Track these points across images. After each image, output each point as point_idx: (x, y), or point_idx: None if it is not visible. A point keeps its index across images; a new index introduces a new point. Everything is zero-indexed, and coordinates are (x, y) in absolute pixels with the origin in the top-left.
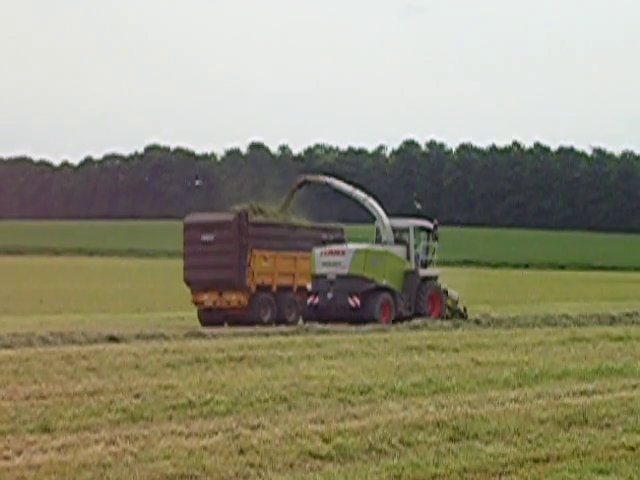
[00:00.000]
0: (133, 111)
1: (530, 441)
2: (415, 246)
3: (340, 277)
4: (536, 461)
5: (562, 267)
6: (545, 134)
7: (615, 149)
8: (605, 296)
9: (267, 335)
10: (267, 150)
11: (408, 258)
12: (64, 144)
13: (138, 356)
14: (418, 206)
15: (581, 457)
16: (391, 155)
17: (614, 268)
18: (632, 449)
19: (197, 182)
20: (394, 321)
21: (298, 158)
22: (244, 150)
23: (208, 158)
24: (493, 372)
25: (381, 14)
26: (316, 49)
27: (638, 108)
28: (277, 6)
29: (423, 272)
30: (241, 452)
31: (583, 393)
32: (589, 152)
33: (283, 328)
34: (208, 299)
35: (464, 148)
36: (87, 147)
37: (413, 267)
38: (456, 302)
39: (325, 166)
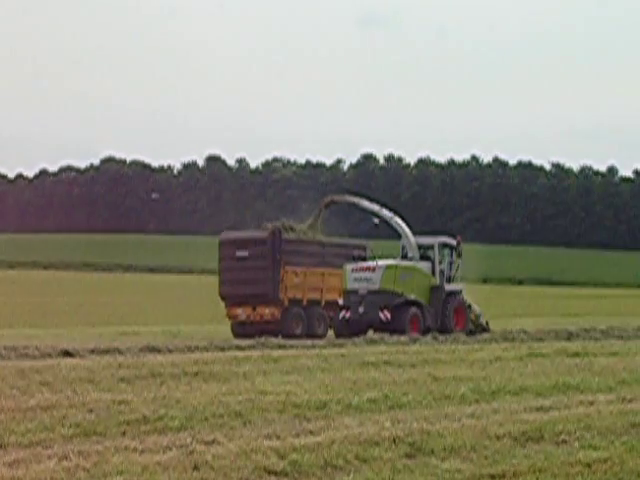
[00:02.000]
0: (89, 123)
1: (486, 457)
2: (440, 262)
3: (371, 292)
4: (492, 477)
5: (520, 282)
6: (504, 149)
7: (574, 164)
8: (563, 312)
9: (223, 350)
10: (224, 163)
11: (433, 273)
12: (19, 156)
13: (92, 371)
14: (376, 220)
15: (537, 473)
16: (349, 169)
17: (572, 283)
18: (588, 465)
19: (153, 195)
20: (424, 333)
21: (255, 171)
22: (201, 163)
23: (165, 171)
24: (450, 388)
25: (339, 26)
26: (270, 61)
27: (597, 123)
28: (230, 21)
29: (448, 287)
30: (195, 468)
31: (540, 409)
32: (548, 167)
33: (239, 343)
34: (242, 313)
35: (422, 162)
36: (42, 159)
37: (438, 282)
38: (479, 316)
39: (282, 180)
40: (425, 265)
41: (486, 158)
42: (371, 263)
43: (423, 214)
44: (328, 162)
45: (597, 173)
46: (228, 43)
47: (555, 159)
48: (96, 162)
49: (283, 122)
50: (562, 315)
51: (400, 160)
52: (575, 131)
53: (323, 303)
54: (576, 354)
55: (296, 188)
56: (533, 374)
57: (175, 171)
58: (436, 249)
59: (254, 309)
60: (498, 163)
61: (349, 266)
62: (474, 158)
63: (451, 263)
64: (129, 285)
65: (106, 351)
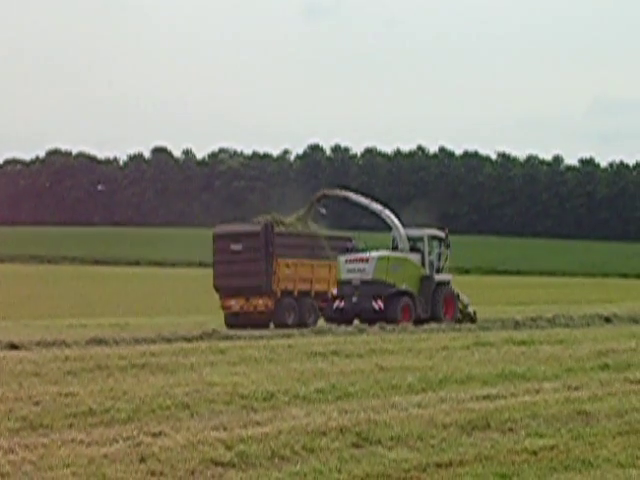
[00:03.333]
0: (34, 115)
1: (433, 446)
2: (429, 253)
3: (364, 282)
4: (439, 466)
5: (467, 271)
6: (450, 139)
7: (519, 153)
8: (510, 300)
9: (170, 342)
10: (170, 155)
11: (423, 264)
12: None
13: (38, 364)
14: (323, 211)
15: (484, 462)
16: (296, 159)
17: (519, 272)
18: (534, 453)
19: (99, 187)
20: (415, 323)
21: (202, 162)
22: (147, 155)
23: (110, 163)
24: (397, 377)
25: (284, 15)
26: (216, 52)
27: (542, 112)
28: (174, 9)
29: (438, 277)
30: (142, 460)
31: (486, 398)
32: (493, 156)
33: (186, 334)
34: (235, 304)
35: (369, 152)
36: None
37: (428, 273)
38: (466, 306)
39: (229, 171)
40: (415, 256)
41: (432, 148)
42: (364, 254)
43: (337, 204)
44: (275, 153)
45: (543, 162)
46: (173, 33)
47: (501, 149)
48: (42, 154)
49: (229, 113)
50: (508, 304)
51: (347, 150)
52: (521, 121)
53: (313, 294)
54: (522, 342)
55: (243, 179)
56: (480, 363)
57: (121, 163)
58: (425, 241)
59: (247, 300)
60: (444, 153)
61: (343, 257)
62: (420, 148)
63: (439, 254)
64: (76, 277)
65: (52, 343)
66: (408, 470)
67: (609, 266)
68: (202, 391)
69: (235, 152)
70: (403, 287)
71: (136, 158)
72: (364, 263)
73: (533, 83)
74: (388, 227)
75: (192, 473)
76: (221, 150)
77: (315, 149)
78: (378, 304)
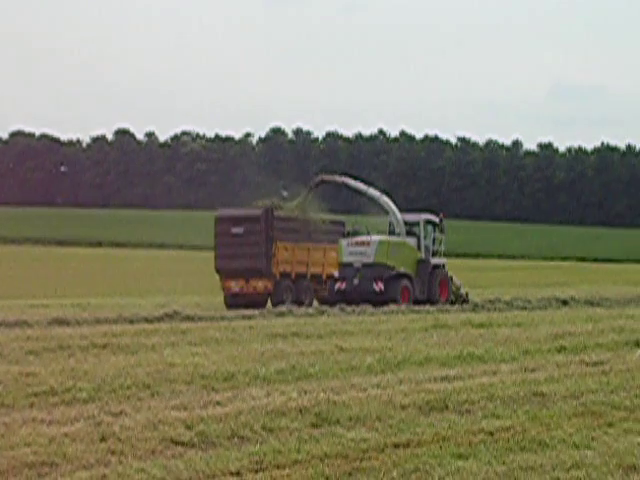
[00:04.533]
0: None
1: (391, 426)
2: (424, 238)
3: (366, 265)
4: (397, 446)
5: None
6: (410, 123)
7: (479, 138)
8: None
9: (131, 322)
10: (133, 137)
11: (419, 248)
12: None
13: (0, 343)
14: (285, 194)
15: (441, 442)
16: (258, 143)
17: (477, 255)
18: (491, 434)
19: (62, 169)
20: (415, 303)
21: (164, 145)
22: (110, 137)
23: (74, 144)
24: (356, 358)
25: (246, 1)
26: (179, 35)
27: (501, 98)
28: None
29: (433, 261)
30: (103, 439)
31: (444, 379)
32: (453, 140)
33: (147, 315)
34: (235, 285)
35: (330, 136)
36: None
37: (424, 256)
38: (459, 288)
39: (191, 153)
40: (411, 240)
41: (393, 132)
42: (365, 238)
43: (331, 187)
44: (237, 136)
45: (502, 147)
46: (136, 16)
47: (461, 133)
48: (5, 136)
49: (192, 95)
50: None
51: (308, 134)
52: (480, 106)
53: (309, 276)
54: (480, 325)
55: (205, 162)
56: (438, 345)
57: (84, 145)
58: (421, 225)
59: (247, 282)
60: (405, 137)
61: (345, 240)
62: (381, 132)
63: (434, 239)
64: (38, 258)
65: (14, 324)
66: (366, 450)
67: (567, 249)
68: (163, 371)
69: (197, 135)
70: (402, 270)
71: (99, 140)
72: (366, 246)
73: (493, 68)
74: (385, 212)
75: (152, 452)
76: (183, 133)
77: (277, 132)
78: (379, 286)
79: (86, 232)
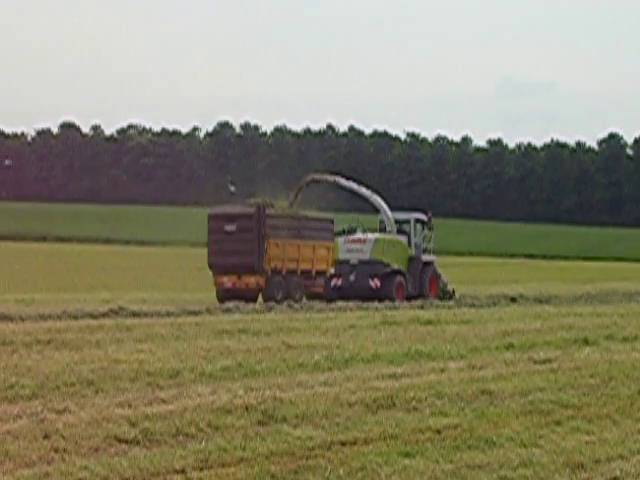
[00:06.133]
0: None
1: (338, 424)
2: (415, 235)
3: (362, 262)
4: (344, 444)
5: None
6: (359, 118)
7: (428, 134)
8: None
9: (76, 318)
10: (79, 130)
11: (409, 246)
12: None
13: None
14: (232, 189)
15: (388, 440)
16: (205, 137)
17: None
18: (438, 432)
19: (7, 162)
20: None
21: (111, 138)
22: (55, 130)
23: (18, 138)
24: (304, 355)
25: None
26: (125, 28)
27: (451, 94)
28: None
29: (424, 258)
30: (46, 437)
31: (392, 376)
32: (403, 136)
33: (92, 311)
34: (227, 281)
35: (279, 131)
36: None
37: (415, 254)
38: (446, 284)
39: (138, 147)
40: (403, 238)
41: (342, 127)
42: (362, 235)
43: (279, 183)
44: (184, 130)
45: (451, 143)
46: (83, 8)
47: (410, 129)
48: None
49: (139, 89)
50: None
51: (256, 128)
52: (430, 101)
53: (299, 272)
54: (429, 322)
55: (152, 156)
56: (386, 342)
57: (29, 138)
58: (412, 224)
59: (239, 278)
60: (354, 132)
61: (341, 238)
62: (330, 127)
63: (423, 237)
64: None
65: None
66: (313, 448)
67: (516, 247)
68: (107, 368)
69: (144, 129)
70: (396, 267)
71: (44, 133)
72: (362, 244)
73: (442, 64)
74: (376, 210)
75: (96, 450)
76: (130, 126)
77: (224, 126)
78: (375, 282)
79: (31, 226)
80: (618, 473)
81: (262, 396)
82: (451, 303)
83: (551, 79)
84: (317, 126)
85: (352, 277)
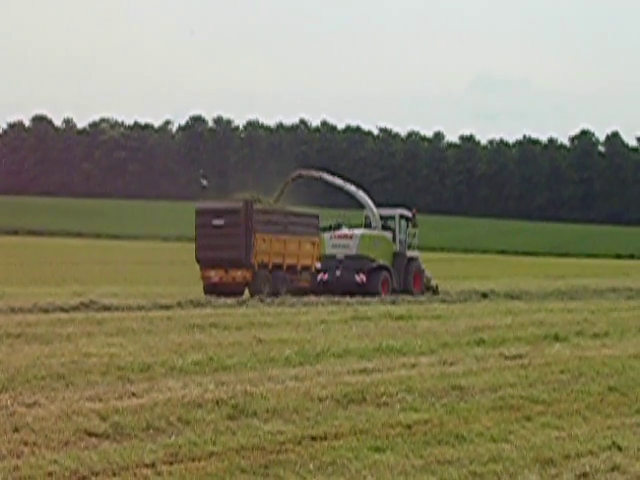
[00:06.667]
0: None
1: (308, 419)
2: (399, 231)
3: (348, 257)
4: (314, 439)
5: None
6: (332, 113)
7: (401, 129)
8: None
9: (47, 312)
10: (51, 123)
11: (394, 241)
12: None
13: None
14: (204, 182)
15: (358, 435)
16: (177, 131)
17: None
18: (409, 427)
19: None
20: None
21: (83, 132)
22: (27, 123)
23: None
24: (275, 350)
25: None
26: (96, 20)
27: (424, 89)
28: None
29: (409, 253)
30: (16, 430)
31: (363, 371)
32: (375, 131)
33: (63, 305)
34: (215, 275)
35: (251, 125)
36: None
37: (399, 249)
38: (429, 279)
39: (110, 141)
40: (388, 234)
41: (314, 122)
42: (348, 231)
43: (251, 177)
44: (156, 123)
45: (424, 138)
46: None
47: (382, 124)
48: None
49: (111, 82)
50: None
51: (229, 122)
52: (402, 97)
53: (285, 267)
54: (400, 317)
55: (124, 149)
56: (357, 337)
57: (0, 131)
58: (397, 220)
59: (226, 272)
60: (327, 127)
61: (328, 234)
62: (302, 122)
63: (408, 232)
64: None
65: None
66: (283, 443)
67: (487, 242)
68: (78, 362)
69: (116, 122)
70: (382, 262)
71: (16, 126)
72: (348, 239)
73: (415, 59)
74: (361, 206)
75: (66, 444)
76: (102, 120)
77: (197, 120)
78: (360, 277)
79: (2, 220)
80: (587, 469)
81: (233, 390)
82: (422, 299)
83: (524, 76)
84: (290, 120)
85: (338, 272)
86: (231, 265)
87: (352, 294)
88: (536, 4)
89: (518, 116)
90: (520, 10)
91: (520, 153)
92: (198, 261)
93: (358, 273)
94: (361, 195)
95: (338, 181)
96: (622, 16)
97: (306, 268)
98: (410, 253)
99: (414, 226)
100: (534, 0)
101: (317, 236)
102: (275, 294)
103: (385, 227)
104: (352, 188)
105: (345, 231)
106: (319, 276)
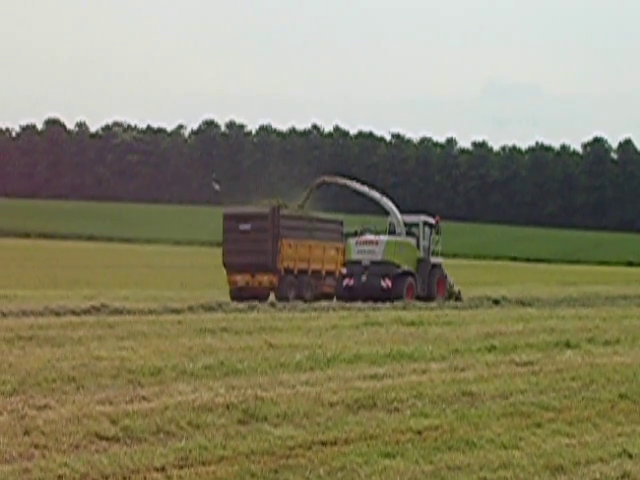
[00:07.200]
0: None
1: (319, 424)
2: (423, 238)
3: (374, 263)
4: (324, 444)
5: None
6: (344, 118)
7: (413, 135)
8: None
9: (58, 315)
10: (64, 127)
11: (418, 248)
12: None
13: None
14: (217, 187)
15: (369, 440)
16: (190, 135)
17: None
18: (419, 433)
19: None
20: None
21: (95, 135)
22: (40, 126)
23: (2, 133)
24: (286, 355)
25: None
26: (111, 23)
27: (436, 95)
28: None
29: (433, 260)
30: (26, 433)
31: (374, 377)
32: (388, 137)
33: (74, 308)
34: (241, 279)
35: (264, 130)
36: None
37: (424, 255)
38: (452, 286)
39: (122, 144)
40: (412, 240)
41: (327, 127)
42: (374, 237)
43: (264, 182)
44: (169, 128)
45: (436, 144)
46: (68, 4)
47: (395, 130)
48: None
49: (124, 86)
50: None
51: (242, 127)
52: (415, 102)
53: (310, 272)
54: (411, 323)
55: (136, 153)
56: (368, 342)
57: (13, 134)
58: (420, 226)
59: (253, 276)
60: (339, 132)
61: (353, 240)
62: (315, 127)
63: (431, 239)
64: None
65: None
66: (293, 447)
67: (499, 249)
68: (89, 365)
69: (129, 126)
70: (407, 268)
71: (29, 129)
72: (374, 245)
73: (428, 66)
74: (386, 213)
75: (76, 447)
76: (115, 123)
77: (210, 125)
78: (386, 283)
79: (14, 223)
80: (598, 476)
81: (243, 395)
82: (433, 305)
83: (536, 82)
84: (302, 126)
85: (364, 277)
86: (258, 270)
87: (377, 299)
88: (549, 10)
89: (530, 122)
90: (533, 16)
91: (532, 160)
92: (225, 266)
93: (384, 278)
94: (385, 202)
95: (363, 188)
96: (635, 22)
97: (330, 273)
98: (434, 260)
99: (437, 233)
100: (547, 6)
101: (341, 242)
102: (300, 299)
103: (409, 233)
104: (377, 195)
105: (371, 237)
106: (345, 281)
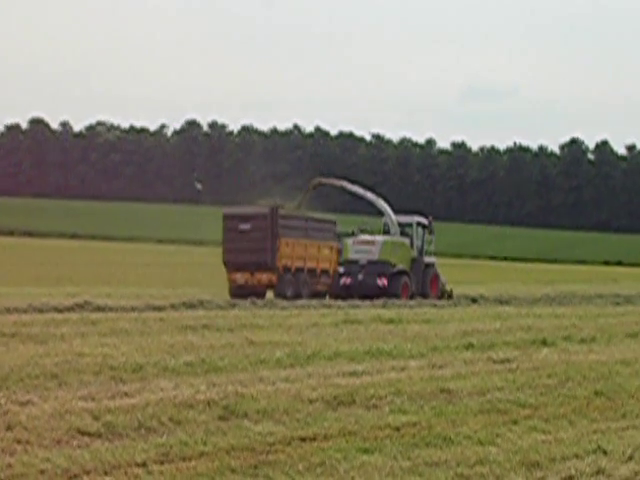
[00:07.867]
0: None
1: (298, 420)
2: (416, 238)
3: (370, 262)
4: (303, 440)
5: None
6: (325, 119)
7: (393, 135)
8: None
9: (41, 312)
10: (47, 126)
11: (412, 247)
12: None
13: None
14: (199, 186)
15: (347, 436)
16: (173, 135)
17: None
18: (397, 429)
19: None
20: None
21: (79, 135)
22: (24, 125)
23: None
24: (266, 352)
25: None
26: (93, 26)
27: (416, 96)
28: None
29: (426, 259)
30: (9, 428)
31: (353, 374)
32: (368, 137)
33: (57, 305)
34: (241, 277)
35: (245, 130)
36: None
37: (417, 255)
38: (444, 284)
39: (106, 144)
40: (406, 240)
41: (308, 127)
42: (370, 237)
43: (245, 181)
44: (152, 127)
45: (416, 145)
46: (53, 3)
47: (375, 130)
48: None
49: (107, 85)
50: None
51: (224, 127)
52: (395, 103)
53: (306, 270)
54: (390, 321)
55: (119, 152)
56: (348, 340)
57: None
58: (414, 227)
59: (252, 275)
60: (320, 133)
61: (350, 240)
62: (296, 127)
63: (424, 239)
64: None
65: None
66: (273, 443)
67: (478, 248)
68: (72, 361)
69: (112, 125)
70: (402, 267)
71: (13, 129)
72: (371, 245)
73: (407, 66)
74: (380, 214)
75: (58, 442)
76: (98, 123)
77: (192, 124)
78: (382, 281)
79: None
80: (573, 472)
81: (224, 391)
82: (412, 303)
83: (514, 83)
84: (283, 126)
85: (360, 276)
86: (257, 268)
87: (374, 297)
88: (526, 15)
89: (509, 124)
90: (510, 21)
91: (510, 160)
92: (225, 264)
93: (380, 277)
94: (381, 203)
95: (358, 190)
96: (611, 26)
97: (325, 272)
98: (427, 259)
99: (430, 233)
100: (524, 11)
101: (335, 241)
102: (298, 296)
103: (402, 234)
104: (371, 196)
105: (367, 237)
106: (342, 280)
